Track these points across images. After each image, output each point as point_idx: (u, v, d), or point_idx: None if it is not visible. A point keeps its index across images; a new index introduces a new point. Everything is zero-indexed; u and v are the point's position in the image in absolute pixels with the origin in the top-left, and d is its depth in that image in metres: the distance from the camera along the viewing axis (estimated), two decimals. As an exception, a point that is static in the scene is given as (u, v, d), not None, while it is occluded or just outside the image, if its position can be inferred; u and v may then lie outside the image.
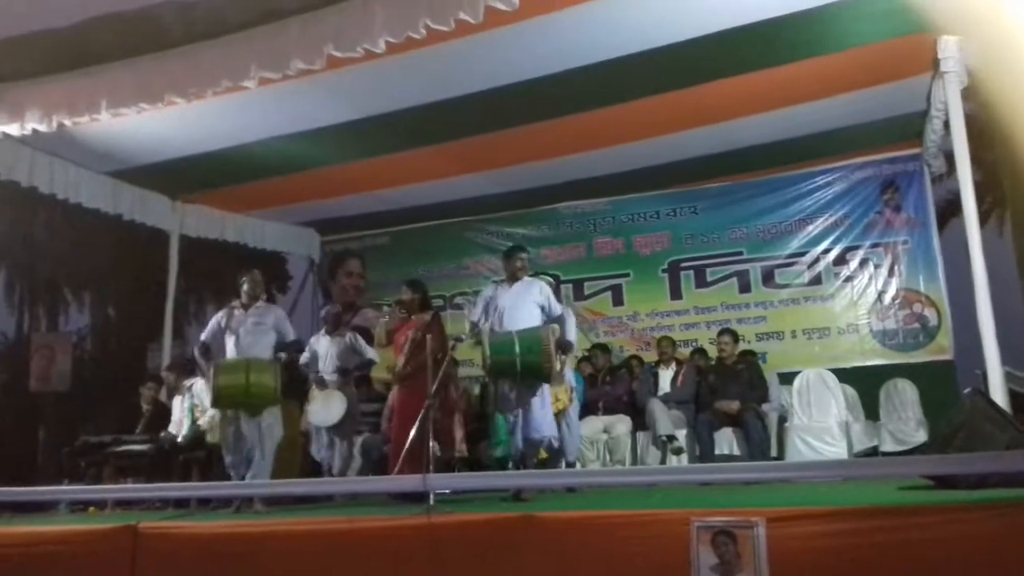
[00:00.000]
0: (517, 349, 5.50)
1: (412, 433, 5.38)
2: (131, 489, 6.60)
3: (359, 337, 7.06)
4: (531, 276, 6.25)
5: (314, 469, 6.90)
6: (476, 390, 7.93)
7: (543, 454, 5.91)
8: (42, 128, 6.28)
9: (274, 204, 9.60)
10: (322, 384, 6.73)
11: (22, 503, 5.70)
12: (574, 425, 6.81)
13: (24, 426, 16.66)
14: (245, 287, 6.40)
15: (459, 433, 6.24)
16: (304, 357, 6.92)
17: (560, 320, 6.11)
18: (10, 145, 7.02)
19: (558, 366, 6.35)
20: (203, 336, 6.45)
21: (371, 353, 6.89)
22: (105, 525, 4.22)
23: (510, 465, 5.95)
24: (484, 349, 5.58)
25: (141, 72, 6.02)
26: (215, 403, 6.14)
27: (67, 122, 6.29)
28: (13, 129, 6.35)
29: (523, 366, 5.50)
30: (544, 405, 5.75)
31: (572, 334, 6.59)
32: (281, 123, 7.24)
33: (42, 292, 18.56)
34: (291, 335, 6.52)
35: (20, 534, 4.35)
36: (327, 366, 6.84)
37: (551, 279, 7.07)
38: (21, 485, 5.41)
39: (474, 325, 6.17)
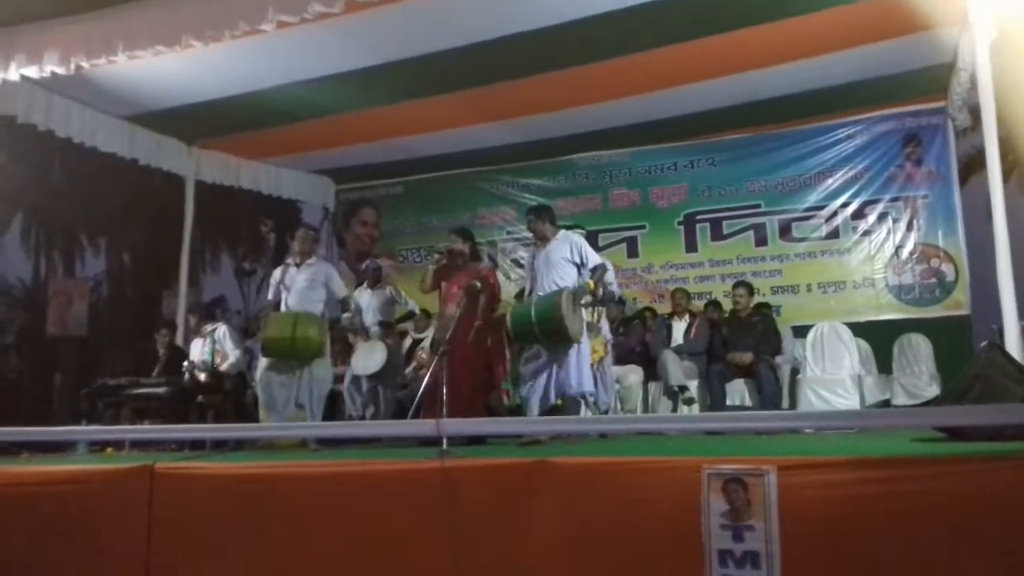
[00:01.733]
0: (533, 318, 5.57)
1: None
2: (148, 430, 6.69)
3: (400, 290, 7.24)
4: (564, 232, 6.20)
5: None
6: None
7: (559, 403, 5.91)
8: (60, 70, 6.24)
9: (290, 151, 9.58)
10: (366, 335, 6.88)
11: (41, 443, 5.77)
12: (608, 376, 6.85)
13: (41, 370, 16.86)
14: (296, 245, 6.70)
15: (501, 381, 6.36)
16: (351, 308, 7.03)
17: (598, 271, 6.03)
18: (28, 87, 7.01)
19: (595, 317, 6.40)
20: (270, 295, 6.76)
21: (412, 304, 7.22)
22: (122, 465, 4.27)
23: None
24: (505, 320, 5.72)
25: (158, 14, 5.96)
26: (265, 351, 6.45)
27: (85, 64, 6.25)
28: (31, 71, 6.31)
29: (542, 333, 5.58)
30: (580, 362, 5.76)
31: (614, 284, 6.66)
32: (298, 68, 7.19)
33: (58, 237, 18.63)
34: (341, 292, 6.74)
35: (39, 473, 4.41)
36: (369, 318, 7.01)
37: (582, 229, 7.00)
38: (39, 426, 5.47)
39: (523, 292, 6.29)
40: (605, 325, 6.89)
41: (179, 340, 8.43)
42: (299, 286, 6.49)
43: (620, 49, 6.99)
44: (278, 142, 9.09)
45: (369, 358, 6.84)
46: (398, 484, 3.64)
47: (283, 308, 6.52)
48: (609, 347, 6.88)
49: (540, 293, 5.84)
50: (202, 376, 7.59)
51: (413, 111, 8.16)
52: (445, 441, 3.96)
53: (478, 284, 6.07)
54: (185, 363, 7.69)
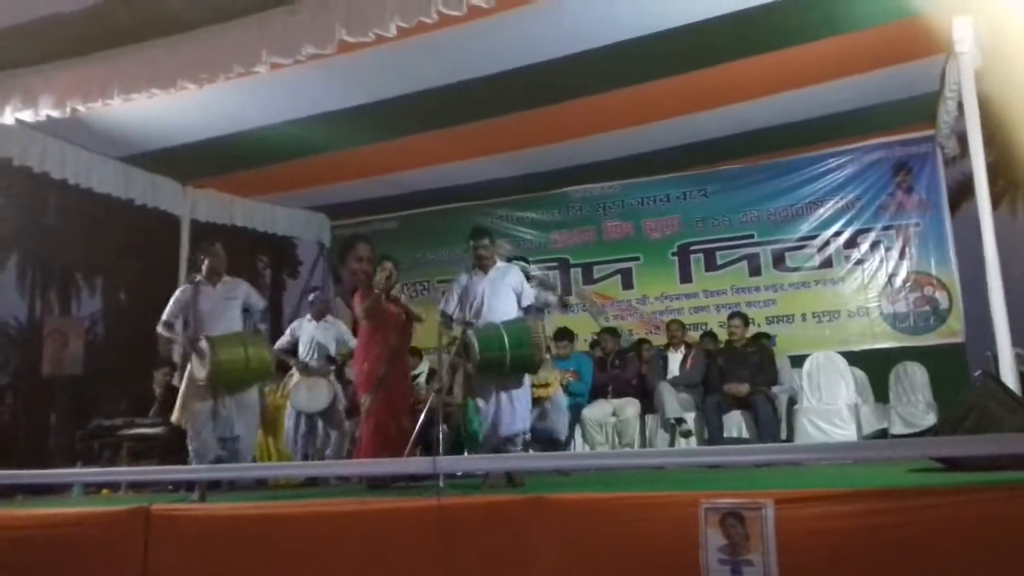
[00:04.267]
0: (507, 344, 5.31)
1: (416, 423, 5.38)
2: (144, 471, 6.64)
3: (346, 328, 7.05)
4: (505, 261, 6.04)
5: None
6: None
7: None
8: (55, 114, 6.29)
9: (284, 189, 9.61)
10: (305, 370, 6.72)
11: (36, 485, 5.73)
12: (560, 405, 6.55)
13: (36, 410, 16.80)
14: (208, 263, 6.06)
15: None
16: (282, 341, 6.90)
17: (531, 311, 5.86)
18: (23, 131, 7.04)
19: (548, 354, 6.30)
20: (166, 316, 6.05)
21: (354, 342, 6.65)
22: (118, 507, 4.25)
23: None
24: (472, 345, 5.34)
25: (152, 57, 6.02)
26: (212, 379, 5.64)
27: (80, 107, 6.29)
28: (27, 115, 6.36)
29: (513, 360, 5.34)
30: (522, 398, 5.57)
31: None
32: (292, 107, 7.23)
33: (54, 278, 18.65)
34: (261, 304, 6.27)
35: (34, 516, 4.39)
36: (310, 352, 6.84)
37: (525, 264, 6.74)
38: (33, 468, 5.45)
39: (448, 316, 5.84)
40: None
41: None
42: (217, 306, 5.93)
43: (612, 83, 7.04)
44: (272, 180, 9.12)
45: (312, 396, 6.62)
46: (395, 523, 3.63)
47: (200, 330, 5.86)
48: (560, 381, 6.70)
49: (487, 320, 5.56)
50: None
51: (407, 147, 8.21)
52: (441, 479, 3.96)
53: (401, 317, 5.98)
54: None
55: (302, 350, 6.91)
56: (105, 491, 6.96)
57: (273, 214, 10.16)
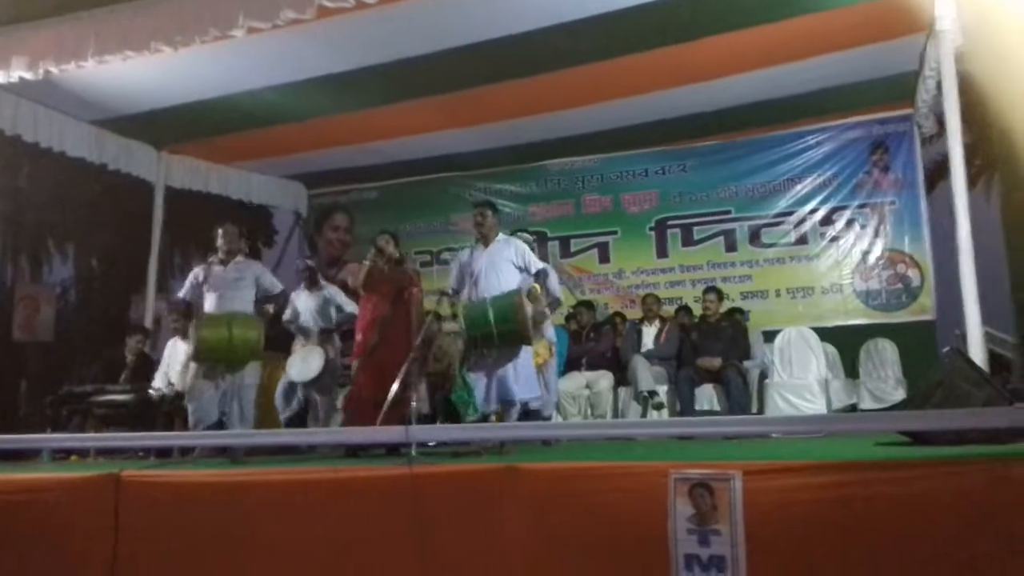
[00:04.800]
0: (492, 318, 5.38)
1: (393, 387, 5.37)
2: (114, 438, 6.59)
3: (340, 292, 7.02)
4: (507, 235, 6.08)
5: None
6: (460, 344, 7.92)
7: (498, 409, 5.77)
8: (28, 76, 6.19)
9: (261, 156, 9.52)
10: (305, 338, 6.73)
11: (4, 451, 5.69)
12: (552, 381, 6.72)
13: (6, 376, 16.61)
14: (219, 241, 6.25)
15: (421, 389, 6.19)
16: (287, 313, 6.90)
17: (541, 276, 5.96)
18: (-5, 92, 6.94)
19: (541, 322, 6.33)
20: (181, 293, 6.33)
21: (352, 307, 6.73)
22: (88, 473, 4.23)
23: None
24: (460, 321, 5.50)
25: (127, 19, 5.93)
26: (196, 356, 5.97)
27: (53, 69, 6.19)
28: (-1, 76, 6.26)
29: (500, 335, 5.41)
30: (525, 366, 5.65)
31: (557, 290, 6.54)
32: (269, 73, 7.16)
33: (25, 243, 18.38)
34: (276, 287, 6.42)
35: (2, 482, 4.35)
36: (307, 321, 6.83)
37: (529, 237, 6.85)
38: (3, 433, 5.40)
39: (452, 292, 6.02)
40: (550, 328, 6.81)
41: (148, 347, 8.33)
42: (227, 285, 6.07)
43: (592, 56, 7.01)
44: (249, 147, 9.03)
45: (305, 364, 6.56)
46: (367, 491, 3.64)
47: (209, 309, 6.06)
48: (553, 350, 6.76)
49: (484, 295, 5.64)
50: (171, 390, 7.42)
51: (386, 116, 8.15)
52: (414, 448, 3.97)
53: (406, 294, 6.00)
54: (153, 389, 7.48)
55: (301, 320, 6.91)
56: (74, 457, 6.92)
57: (249, 182, 10.07)
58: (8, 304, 15.74)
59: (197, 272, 6.27)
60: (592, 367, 7.95)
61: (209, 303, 6.08)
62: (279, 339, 7.07)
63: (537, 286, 5.88)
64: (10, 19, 6.18)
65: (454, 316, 6.06)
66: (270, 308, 6.35)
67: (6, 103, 7.26)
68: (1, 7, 6.16)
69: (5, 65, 6.20)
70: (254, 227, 13.80)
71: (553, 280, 6.38)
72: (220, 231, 6.27)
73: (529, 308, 5.52)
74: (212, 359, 5.90)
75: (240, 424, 5.90)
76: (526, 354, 5.69)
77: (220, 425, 5.87)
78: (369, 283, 6.13)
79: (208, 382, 5.87)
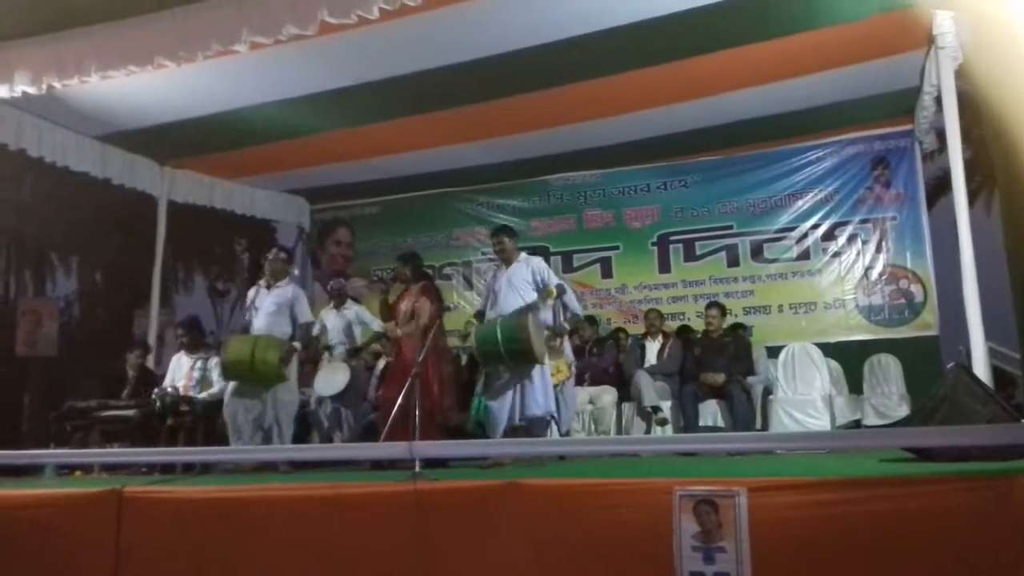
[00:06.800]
0: (499, 338, 5.60)
1: (399, 400, 5.41)
2: (117, 453, 6.59)
3: (365, 311, 7.22)
4: (527, 255, 6.28)
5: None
6: (464, 360, 7.93)
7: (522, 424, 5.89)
8: (31, 90, 6.20)
9: (263, 171, 9.53)
10: (330, 355, 6.90)
11: (7, 467, 5.68)
12: (570, 397, 6.83)
13: (10, 391, 16.60)
14: (267, 267, 6.69)
15: (446, 401, 6.26)
16: (316, 329, 7.04)
17: (558, 292, 6.04)
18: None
19: (557, 342, 6.41)
20: (246, 316, 6.70)
21: (377, 325, 7.09)
22: (91, 489, 4.22)
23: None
24: (472, 341, 5.77)
25: (130, 34, 5.93)
26: (224, 374, 6.50)
27: (56, 84, 6.21)
28: (2, 91, 6.27)
29: (508, 353, 5.62)
30: (543, 381, 5.82)
31: (576, 306, 6.58)
32: (272, 89, 7.17)
33: (29, 257, 18.40)
34: (304, 316, 6.63)
35: (5, 497, 4.35)
36: (335, 338, 7.02)
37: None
38: (6, 449, 5.40)
39: (479, 314, 6.32)
40: (568, 347, 6.89)
41: (150, 361, 8.32)
42: (267, 309, 6.48)
43: (594, 71, 7.03)
44: (252, 162, 9.04)
45: (331, 380, 6.81)
46: (370, 507, 3.62)
47: (253, 331, 6.46)
48: (572, 369, 6.87)
49: (502, 314, 5.86)
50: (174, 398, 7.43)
51: (388, 131, 8.17)
52: (418, 464, 3.96)
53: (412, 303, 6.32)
54: (157, 390, 7.51)
55: (328, 338, 7.19)
56: (78, 473, 6.89)
57: (252, 196, 10.10)
58: (11, 319, 15.75)
59: (251, 294, 6.71)
60: (595, 382, 7.95)
61: (256, 325, 6.48)
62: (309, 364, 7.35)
63: (552, 289, 5.94)
64: (13, 34, 6.20)
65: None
66: (297, 345, 6.58)
67: (10, 118, 7.29)
68: (4, 22, 6.19)
69: (8, 80, 6.20)
70: (256, 241, 13.83)
71: (571, 296, 6.45)
72: (268, 255, 6.75)
73: (535, 327, 5.64)
74: (237, 378, 6.33)
75: (277, 439, 6.27)
76: (543, 371, 5.83)
77: (266, 439, 6.30)
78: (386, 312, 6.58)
79: (238, 399, 6.31)
